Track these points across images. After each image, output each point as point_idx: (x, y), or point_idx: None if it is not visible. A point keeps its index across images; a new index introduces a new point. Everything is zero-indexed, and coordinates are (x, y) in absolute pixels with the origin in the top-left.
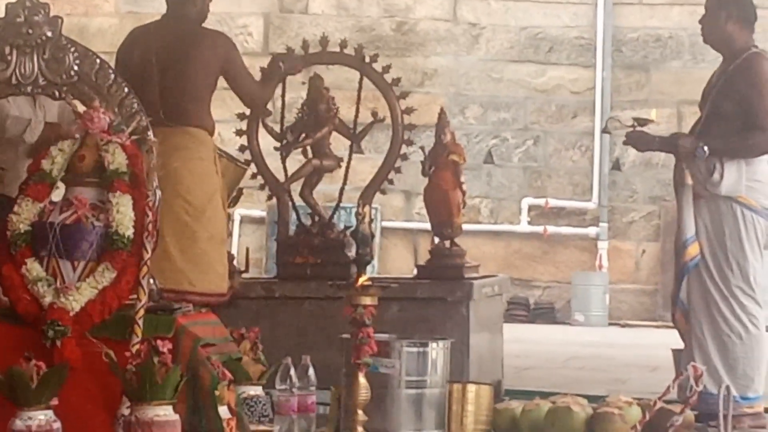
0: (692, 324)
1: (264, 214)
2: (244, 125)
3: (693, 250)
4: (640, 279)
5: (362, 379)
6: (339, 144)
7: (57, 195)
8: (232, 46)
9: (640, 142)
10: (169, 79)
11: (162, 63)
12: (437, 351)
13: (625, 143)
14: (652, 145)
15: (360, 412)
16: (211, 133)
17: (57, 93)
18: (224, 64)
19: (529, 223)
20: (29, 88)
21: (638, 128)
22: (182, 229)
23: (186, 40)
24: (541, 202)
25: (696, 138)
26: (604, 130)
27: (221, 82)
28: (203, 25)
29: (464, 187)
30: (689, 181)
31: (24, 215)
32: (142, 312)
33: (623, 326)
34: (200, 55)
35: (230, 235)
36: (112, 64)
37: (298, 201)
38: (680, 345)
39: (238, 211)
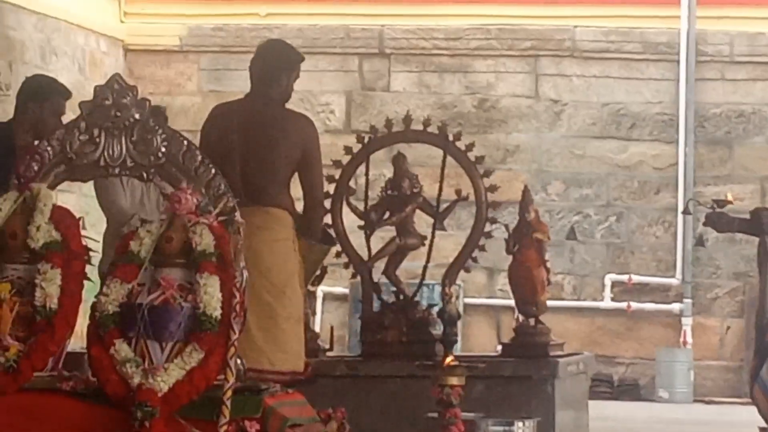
0: None
1: (347, 291)
2: (328, 204)
3: None
4: (725, 355)
5: None
6: (422, 221)
7: (145, 276)
8: (313, 133)
9: (720, 223)
10: (250, 159)
11: (244, 144)
12: (523, 430)
13: (704, 225)
14: (732, 226)
15: None
16: (291, 213)
17: (145, 175)
18: (302, 152)
19: (613, 299)
20: (117, 170)
21: (717, 210)
22: (263, 308)
23: (270, 123)
24: (625, 278)
25: None
26: (685, 212)
27: None
28: (287, 105)
29: (548, 264)
30: None
31: (112, 296)
32: (230, 393)
33: (708, 403)
34: (283, 139)
35: (314, 313)
36: (196, 142)
37: (381, 278)
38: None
39: (321, 288)
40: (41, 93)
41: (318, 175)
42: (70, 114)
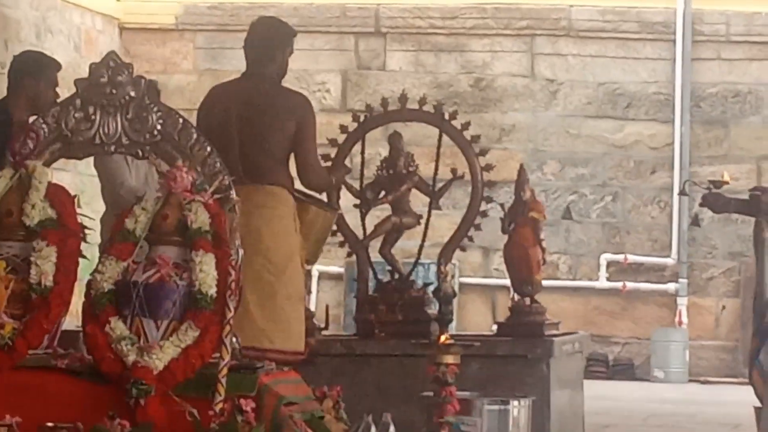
0: None
1: (342, 270)
2: None
3: None
4: (720, 335)
5: None
6: (417, 201)
7: (140, 254)
8: (310, 111)
9: (717, 204)
10: (249, 137)
11: (242, 122)
12: (518, 409)
13: (701, 206)
14: (729, 207)
15: None
16: (291, 190)
17: (140, 152)
18: (297, 127)
19: (608, 279)
20: (113, 148)
21: (714, 190)
22: (263, 287)
23: (266, 99)
24: (620, 258)
25: None
26: (681, 193)
27: None
28: (283, 83)
29: (544, 243)
30: None
31: (107, 274)
32: (225, 371)
33: (703, 383)
34: (280, 116)
35: (309, 292)
36: (191, 120)
37: (377, 257)
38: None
39: (316, 267)
40: (37, 68)
41: (312, 155)
42: (65, 91)
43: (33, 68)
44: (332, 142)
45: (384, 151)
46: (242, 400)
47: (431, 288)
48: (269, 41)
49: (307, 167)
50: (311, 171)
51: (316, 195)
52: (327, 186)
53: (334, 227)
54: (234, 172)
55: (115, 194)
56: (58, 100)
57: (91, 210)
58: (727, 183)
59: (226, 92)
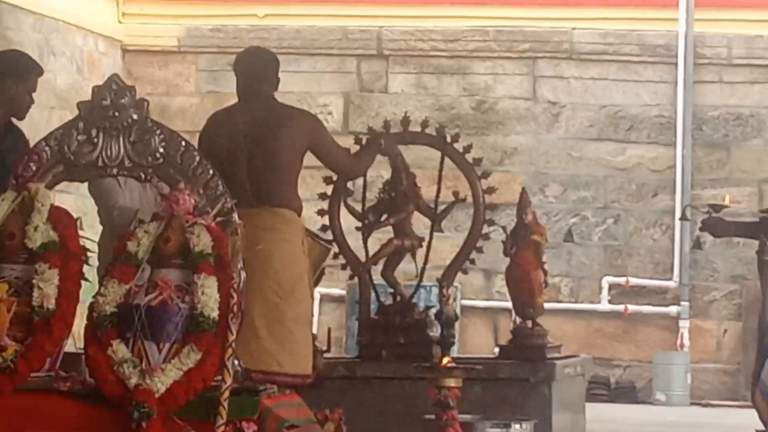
0: None
1: (344, 292)
2: (325, 205)
3: None
4: (722, 358)
5: None
6: (419, 223)
7: (142, 277)
8: (317, 123)
9: (716, 228)
10: (257, 159)
11: (251, 144)
12: None
13: (701, 230)
14: (729, 231)
15: None
16: (299, 213)
17: (142, 175)
18: (311, 142)
19: (610, 301)
20: (115, 171)
21: (714, 215)
22: (271, 309)
23: (273, 120)
24: (622, 280)
25: None
26: (682, 218)
27: (303, 161)
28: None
29: (545, 266)
30: None
31: (110, 297)
32: (227, 394)
33: (705, 406)
34: (287, 135)
35: (312, 314)
36: (194, 143)
37: (378, 280)
38: (763, 426)
39: (318, 290)
40: (21, 71)
41: (340, 154)
42: (68, 114)
43: (17, 70)
44: None
45: (386, 174)
46: (244, 423)
47: (433, 311)
48: (261, 62)
49: (338, 165)
50: (343, 165)
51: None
52: (364, 168)
53: (336, 250)
54: (242, 195)
55: (109, 215)
56: (62, 123)
57: (94, 232)
58: (727, 207)
59: (230, 117)
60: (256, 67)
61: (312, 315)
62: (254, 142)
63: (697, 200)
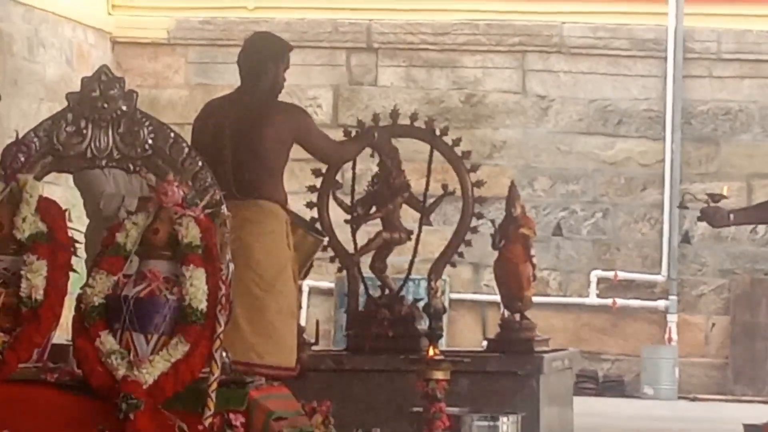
0: None
1: (332, 285)
2: (314, 197)
3: None
4: (710, 352)
5: None
6: (408, 216)
7: (131, 268)
8: (304, 116)
9: (715, 218)
10: (242, 152)
11: (235, 136)
12: (508, 425)
13: (699, 220)
14: (727, 220)
15: None
16: (284, 206)
17: (131, 167)
18: (297, 134)
19: (598, 295)
20: (104, 162)
21: (712, 204)
22: (252, 301)
23: (259, 114)
24: (610, 274)
25: None
26: (681, 206)
27: (292, 153)
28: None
29: (534, 260)
30: None
31: (98, 288)
32: (215, 385)
33: (693, 400)
34: (273, 129)
35: (300, 307)
36: (183, 135)
37: (367, 273)
38: (752, 420)
39: (307, 283)
40: None
41: (325, 143)
42: (57, 105)
43: None
44: None
45: (375, 167)
46: (232, 415)
47: (421, 303)
48: (261, 55)
49: (324, 152)
50: (331, 154)
51: (305, 219)
52: (351, 155)
53: (325, 242)
54: (226, 186)
55: (95, 205)
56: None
57: (82, 224)
58: (725, 197)
59: (219, 106)
60: (252, 61)
61: (298, 307)
62: (239, 135)
63: (686, 195)
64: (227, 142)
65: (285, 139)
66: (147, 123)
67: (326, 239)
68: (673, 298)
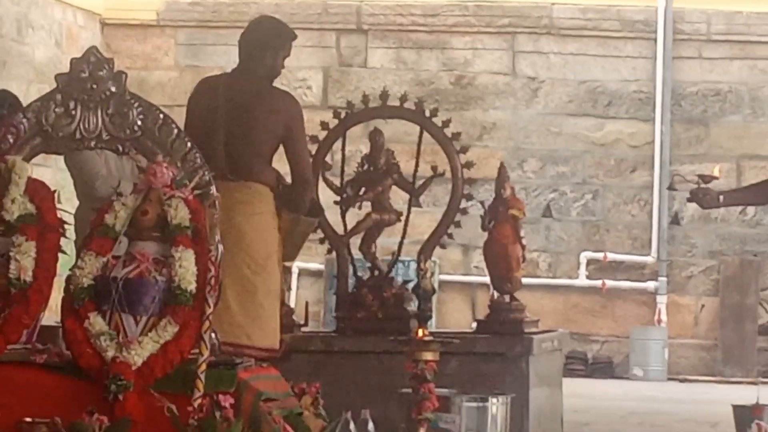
0: None
1: (322, 267)
2: None
3: None
4: (699, 334)
5: None
6: (397, 198)
7: (120, 249)
8: (297, 111)
9: (705, 199)
10: (233, 134)
11: (228, 118)
12: (497, 406)
13: (689, 201)
14: (717, 202)
15: None
16: (273, 188)
17: (120, 148)
18: (285, 129)
19: (588, 277)
20: (93, 143)
21: (702, 185)
22: (243, 283)
23: (253, 98)
24: (600, 256)
25: None
26: (670, 187)
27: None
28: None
29: (524, 241)
30: None
31: (87, 269)
32: (204, 366)
33: (682, 381)
34: (266, 115)
35: (289, 288)
36: (172, 116)
37: (357, 254)
38: (740, 401)
39: (296, 264)
40: None
41: (302, 149)
42: (46, 86)
43: None
44: (313, 139)
45: (365, 148)
46: (221, 396)
47: (411, 285)
48: (262, 41)
49: (298, 169)
50: (302, 173)
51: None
52: (311, 185)
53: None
54: (217, 167)
55: (89, 187)
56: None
57: (72, 206)
58: (716, 178)
59: (213, 87)
60: (254, 44)
61: (283, 290)
62: (231, 117)
63: (676, 176)
64: (220, 123)
65: (276, 126)
66: (136, 104)
67: (319, 219)
68: (663, 279)
